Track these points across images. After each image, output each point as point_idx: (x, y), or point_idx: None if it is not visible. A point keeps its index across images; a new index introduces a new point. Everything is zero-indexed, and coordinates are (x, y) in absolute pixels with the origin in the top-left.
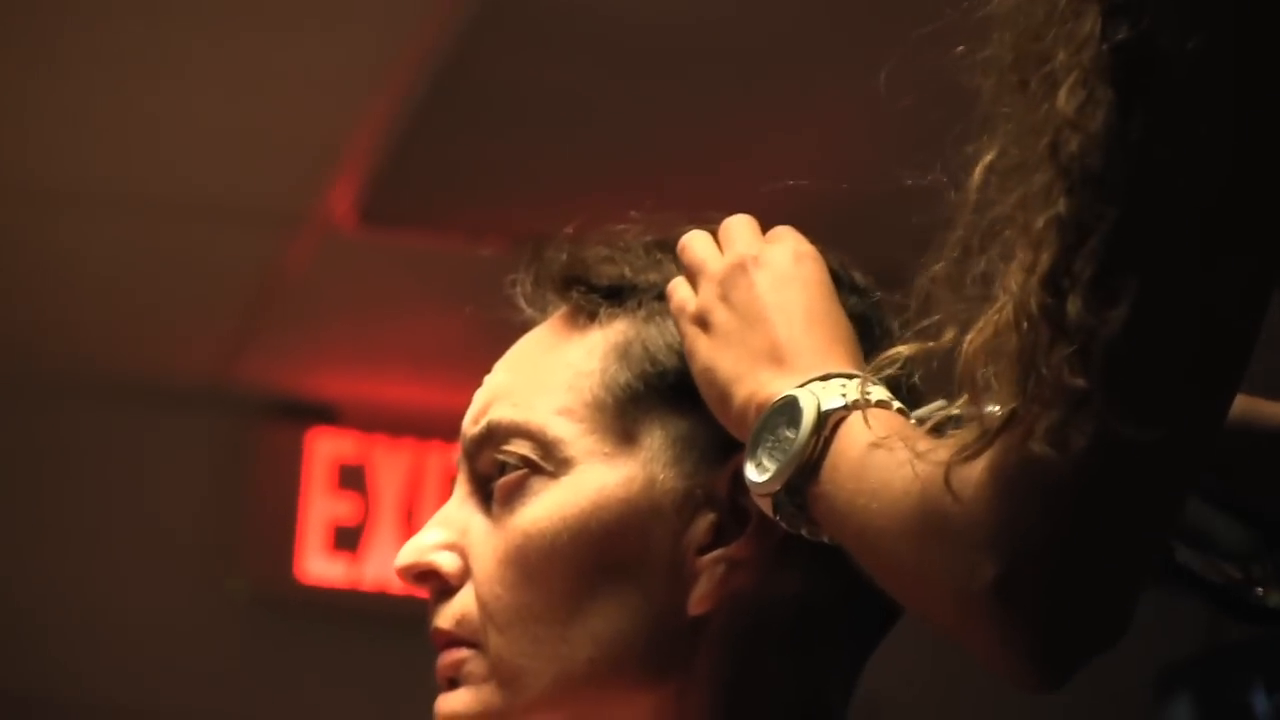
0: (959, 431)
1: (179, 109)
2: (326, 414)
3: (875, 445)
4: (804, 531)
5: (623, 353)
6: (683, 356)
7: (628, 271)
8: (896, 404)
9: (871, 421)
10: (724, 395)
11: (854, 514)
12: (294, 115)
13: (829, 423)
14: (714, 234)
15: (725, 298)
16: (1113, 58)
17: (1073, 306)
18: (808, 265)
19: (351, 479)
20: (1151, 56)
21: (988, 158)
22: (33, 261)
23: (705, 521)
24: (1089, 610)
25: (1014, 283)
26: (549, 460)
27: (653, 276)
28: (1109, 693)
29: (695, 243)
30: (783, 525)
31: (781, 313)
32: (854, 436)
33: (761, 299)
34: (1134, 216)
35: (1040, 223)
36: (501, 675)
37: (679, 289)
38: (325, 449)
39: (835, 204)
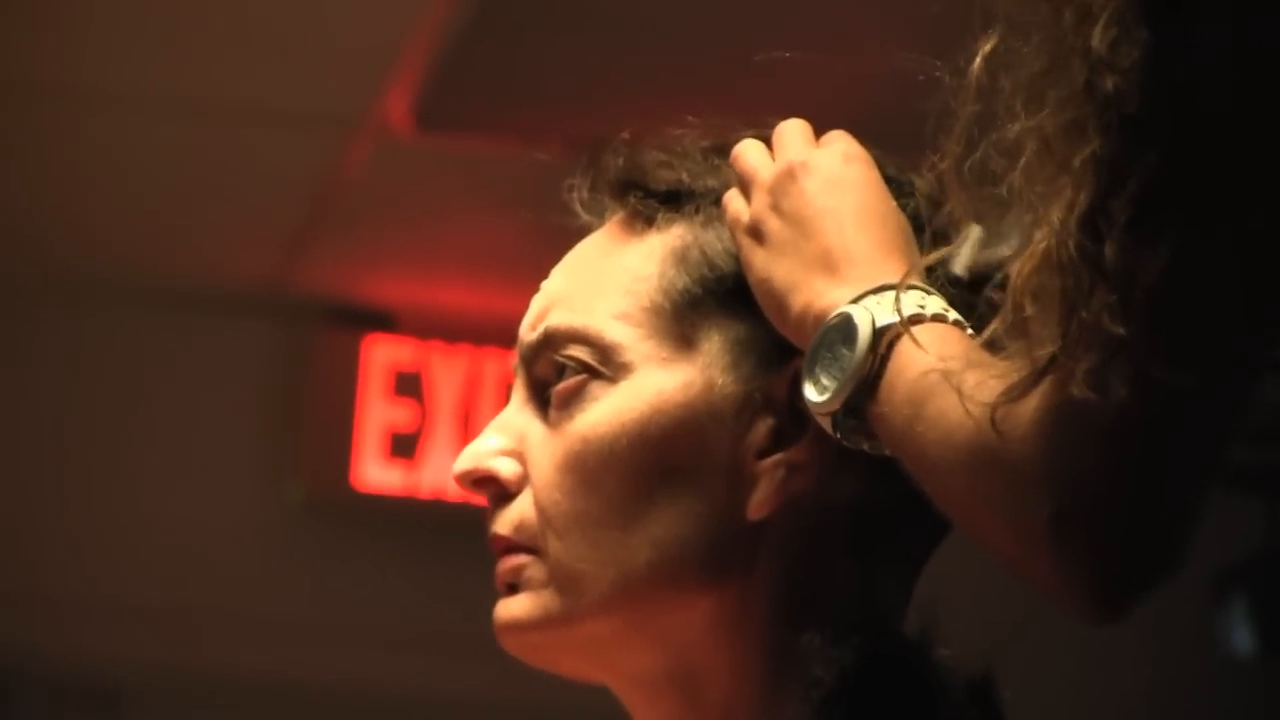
0: (1006, 365)
1: (236, 13)
2: (383, 320)
3: (931, 368)
4: (866, 447)
5: (681, 257)
6: (741, 262)
7: (685, 177)
8: (953, 314)
9: (928, 338)
10: (781, 306)
11: (911, 440)
12: (351, 19)
13: (884, 339)
14: (769, 141)
15: (776, 206)
16: None
17: (1110, 250)
18: (858, 167)
19: (408, 386)
20: None
21: (987, 47)
22: (89, 167)
23: (764, 426)
24: (1146, 547)
25: (1055, 217)
26: (607, 365)
27: (710, 182)
28: (1166, 595)
29: (747, 152)
30: (844, 443)
31: (832, 217)
32: (910, 355)
33: (811, 205)
34: (1172, 161)
35: (1077, 161)
36: (560, 580)
37: (733, 201)
38: (382, 355)
39: (893, 109)
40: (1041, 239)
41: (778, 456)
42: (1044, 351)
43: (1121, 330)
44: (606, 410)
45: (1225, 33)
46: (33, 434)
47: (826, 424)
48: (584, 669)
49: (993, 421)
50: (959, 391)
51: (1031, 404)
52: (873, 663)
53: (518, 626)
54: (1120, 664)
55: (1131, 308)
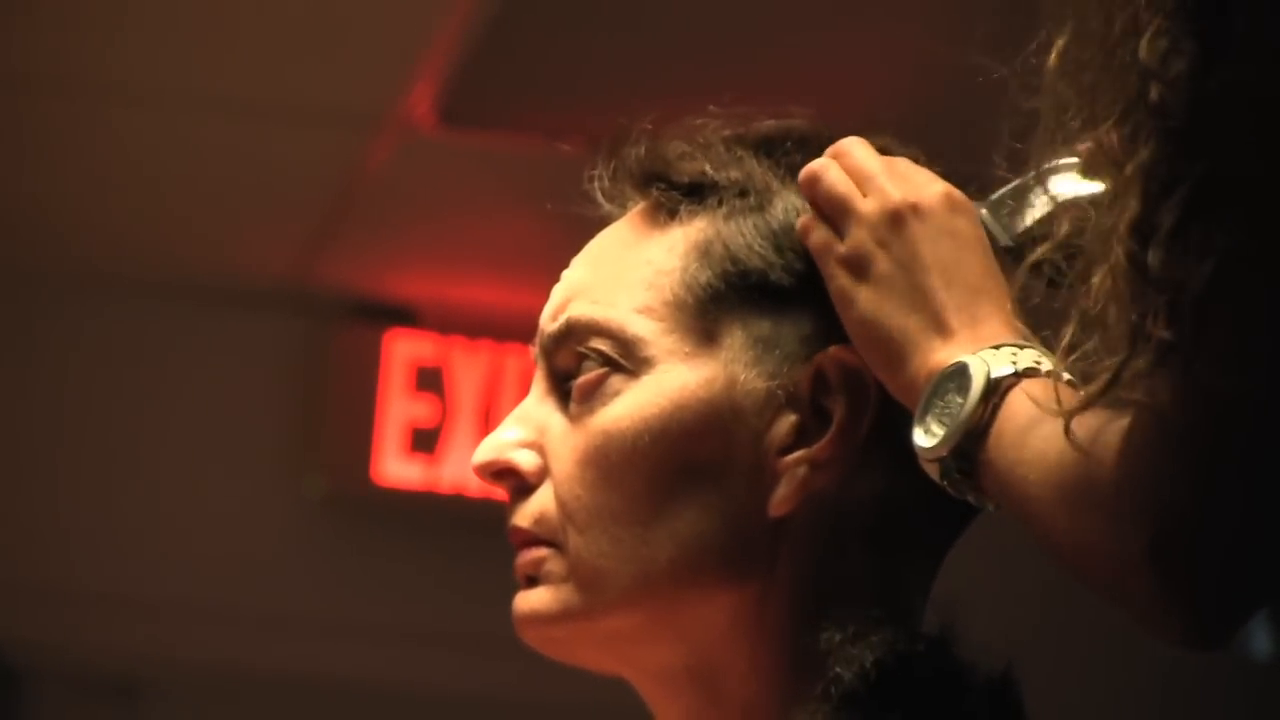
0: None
1: (260, 9)
2: (405, 315)
3: (1039, 416)
4: (970, 499)
5: (704, 251)
6: (763, 255)
7: (708, 168)
8: (1067, 375)
9: (1040, 390)
10: (892, 360)
11: (1014, 485)
12: (375, 15)
13: (998, 390)
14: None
15: (884, 244)
16: (1195, 11)
17: (1154, 256)
18: (965, 219)
19: (429, 381)
20: (1233, 9)
21: (1060, 43)
22: (111, 162)
23: (787, 422)
24: (1241, 565)
25: (1121, 227)
26: (629, 359)
27: (733, 173)
28: None
29: (830, 176)
30: (950, 492)
31: (944, 276)
32: (1019, 405)
33: (927, 254)
34: (1216, 170)
35: (1129, 170)
36: (580, 575)
37: (816, 229)
38: (403, 350)
39: (914, 105)
40: (1112, 250)
41: (800, 453)
42: (1113, 360)
43: (1168, 334)
44: (628, 405)
45: (1271, 45)
46: (52, 428)
47: (934, 471)
48: (603, 662)
49: (1068, 431)
50: (1064, 431)
51: (1120, 432)
52: (892, 660)
53: (537, 619)
54: (1137, 665)
55: (1178, 313)
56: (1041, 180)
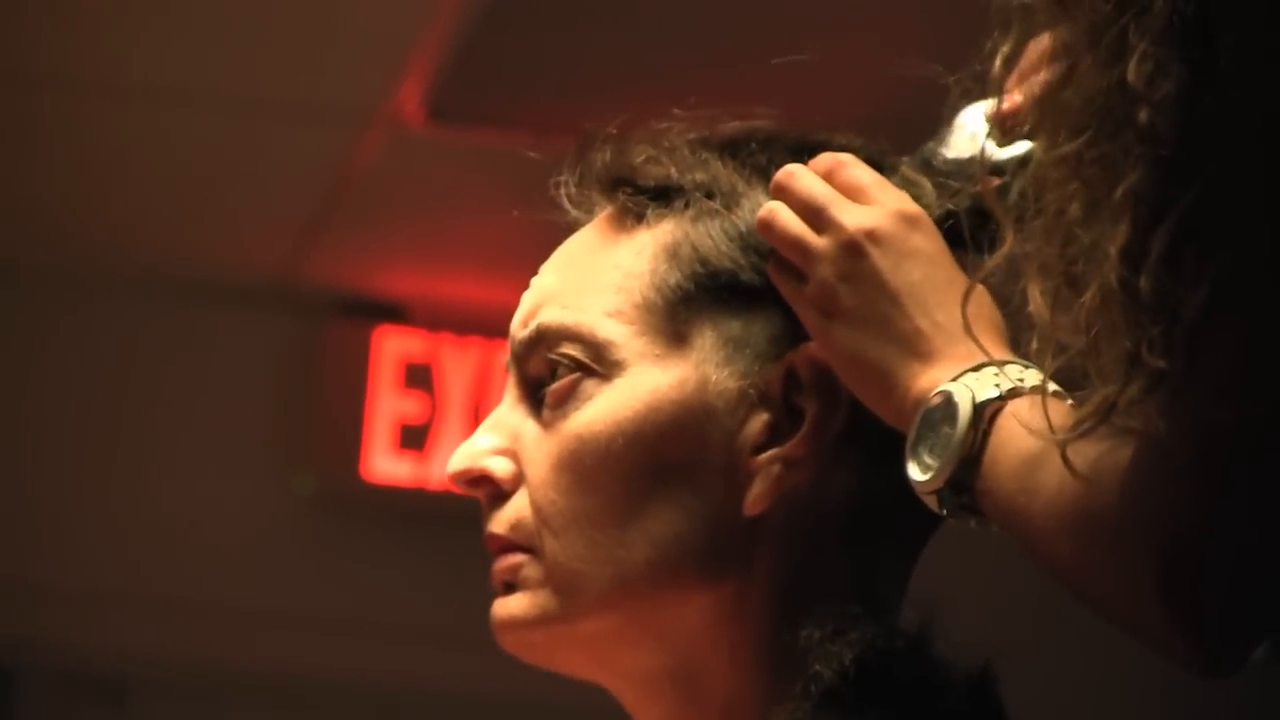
0: (1105, 429)
1: (249, 5)
2: (394, 312)
3: (1033, 442)
4: (974, 525)
5: (672, 253)
6: (732, 256)
7: (674, 172)
8: (1052, 386)
9: (1028, 411)
10: (878, 392)
11: (1016, 513)
12: (364, 11)
13: (985, 415)
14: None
15: (847, 278)
16: (1181, 34)
17: (1146, 283)
18: (922, 233)
19: (418, 378)
20: (1220, 30)
21: (1005, 49)
22: (99, 157)
23: (759, 421)
24: (1250, 591)
25: (1111, 250)
26: (600, 363)
27: (699, 176)
28: None
29: (781, 220)
30: (951, 521)
31: (913, 298)
32: (1011, 429)
33: (891, 280)
34: (1206, 193)
35: (1119, 193)
36: (558, 580)
37: (782, 274)
38: (392, 347)
39: (899, 106)
40: (1103, 273)
41: (773, 452)
42: (1109, 389)
43: (1161, 362)
44: (602, 409)
45: (1259, 66)
46: (42, 424)
47: (933, 504)
48: (582, 667)
49: (1064, 457)
50: (1062, 460)
51: (1120, 461)
52: (872, 657)
53: (515, 625)
54: (1134, 664)
55: (1172, 341)
56: (947, 138)
